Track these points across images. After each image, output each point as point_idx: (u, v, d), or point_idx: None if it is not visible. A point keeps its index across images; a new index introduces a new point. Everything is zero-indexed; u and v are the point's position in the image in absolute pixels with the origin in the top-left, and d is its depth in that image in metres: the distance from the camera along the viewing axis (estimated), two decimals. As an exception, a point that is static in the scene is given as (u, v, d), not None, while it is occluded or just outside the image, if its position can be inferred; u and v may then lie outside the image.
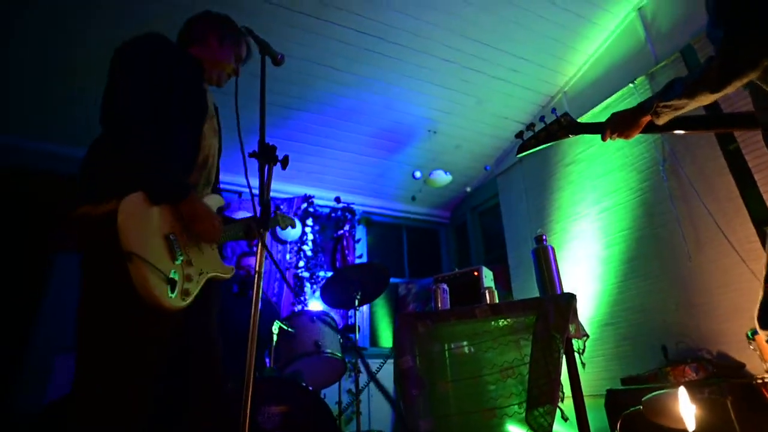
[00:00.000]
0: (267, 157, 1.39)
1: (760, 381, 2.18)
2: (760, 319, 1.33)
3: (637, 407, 2.35)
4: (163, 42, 1.50)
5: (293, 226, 2.12)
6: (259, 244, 1.30)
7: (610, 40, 3.96)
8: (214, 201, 1.61)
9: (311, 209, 5.04)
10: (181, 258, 1.35)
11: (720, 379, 2.48)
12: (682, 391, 2.08)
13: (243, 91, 1.59)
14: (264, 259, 1.31)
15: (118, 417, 1.21)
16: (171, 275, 1.29)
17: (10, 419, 3.26)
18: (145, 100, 1.34)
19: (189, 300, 1.34)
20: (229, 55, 1.71)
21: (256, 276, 1.27)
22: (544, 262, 2.10)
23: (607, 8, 3.70)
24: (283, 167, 1.42)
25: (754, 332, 2.29)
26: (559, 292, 2.06)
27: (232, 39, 1.72)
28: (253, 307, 1.27)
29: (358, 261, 5.16)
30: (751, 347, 2.33)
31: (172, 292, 1.28)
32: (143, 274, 1.21)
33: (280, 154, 1.42)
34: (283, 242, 4.81)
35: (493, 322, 2.11)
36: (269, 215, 1.36)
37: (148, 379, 1.29)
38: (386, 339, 5.12)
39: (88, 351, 1.25)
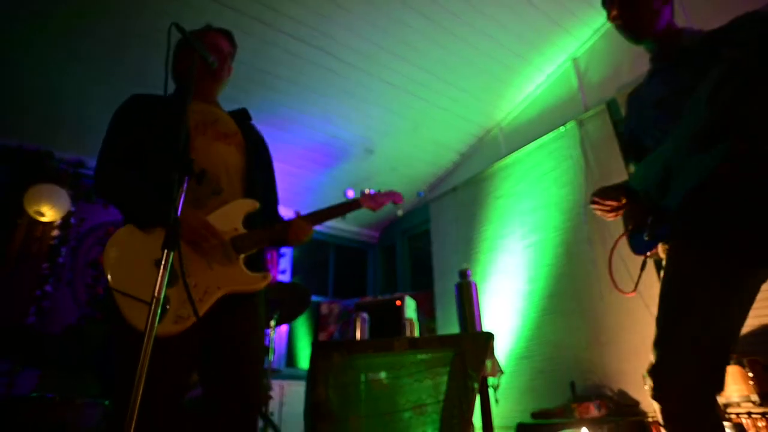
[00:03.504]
0: (183, 170, 1.26)
1: (651, 419, 2.30)
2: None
3: (544, 446, 2.40)
4: (134, 99, 1.59)
5: (398, 201, 1.93)
6: (161, 266, 1.16)
7: (547, 83, 4.16)
8: (231, 210, 1.52)
9: (237, 218, 4.80)
10: (176, 281, 1.33)
11: (618, 417, 2.60)
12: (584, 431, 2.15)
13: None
14: (165, 282, 1.17)
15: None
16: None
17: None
18: (113, 149, 1.46)
19: (187, 324, 1.31)
20: (201, 63, 1.63)
21: (153, 303, 1.12)
22: (466, 298, 2.10)
23: (543, 52, 3.88)
24: (198, 183, 1.29)
25: (649, 373, 2.42)
26: (479, 328, 2.06)
27: (193, 52, 1.64)
28: (146, 336, 1.13)
29: (281, 276, 4.97)
30: (646, 387, 2.46)
31: (160, 319, 1.20)
32: (125, 306, 1.28)
33: None
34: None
35: (410, 356, 2.06)
36: (179, 233, 1.23)
37: (154, 398, 1.23)
38: (304, 360, 4.94)
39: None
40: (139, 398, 1.14)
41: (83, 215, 3.99)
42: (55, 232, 3.73)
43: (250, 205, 1.54)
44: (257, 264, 1.53)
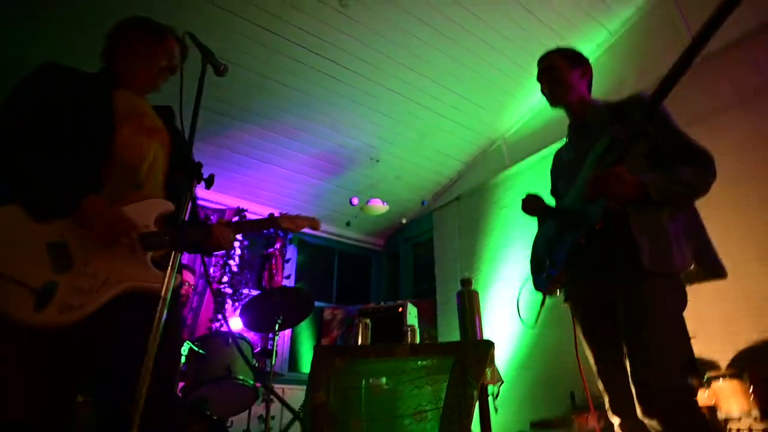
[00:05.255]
0: (191, 174, 1.30)
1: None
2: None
3: (542, 455, 2.41)
4: (52, 71, 1.46)
5: (315, 227, 1.85)
6: (169, 267, 1.19)
7: (550, 95, 4.19)
8: (149, 205, 1.47)
9: (242, 223, 4.84)
10: (71, 268, 1.23)
11: (619, 430, 2.60)
12: (584, 443, 2.16)
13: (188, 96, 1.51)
14: (172, 282, 1.20)
15: None
16: (43, 287, 1.17)
17: None
18: (20, 122, 1.32)
19: (77, 314, 1.20)
20: (151, 57, 1.62)
21: (161, 302, 1.16)
22: (467, 306, 2.12)
23: (549, 66, 3.92)
24: (207, 187, 1.33)
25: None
26: (479, 337, 2.09)
27: (156, 39, 1.63)
28: (153, 333, 1.16)
29: (285, 281, 5.01)
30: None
31: (41, 306, 1.15)
32: None
33: (213, 165, 1.35)
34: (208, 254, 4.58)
35: (411, 362, 2.09)
36: (185, 235, 1.27)
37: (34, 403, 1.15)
38: (307, 364, 4.96)
39: None
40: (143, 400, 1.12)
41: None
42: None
43: (165, 206, 1.48)
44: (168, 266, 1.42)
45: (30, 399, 1.17)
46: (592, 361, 1.63)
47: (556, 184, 1.93)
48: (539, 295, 1.82)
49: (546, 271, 1.71)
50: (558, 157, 1.96)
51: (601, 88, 3.71)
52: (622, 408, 1.49)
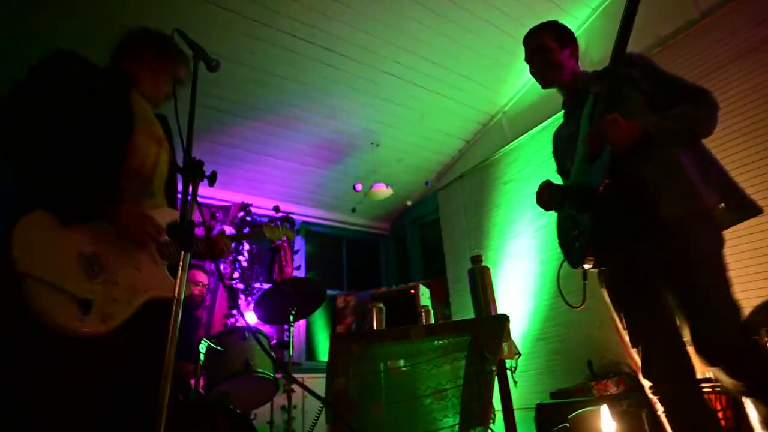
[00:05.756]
0: (192, 173, 1.30)
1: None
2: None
3: (564, 424, 2.43)
4: (72, 60, 1.42)
5: (290, 238, 2.02)
6: (180, 268, 1.20)
7: (547, 65, 4.12)
8: (162, 214, 1.49)
9: (248, 218, 4.86)
10: (102, 276, 1.23)
11: (637, 393, 2.62)
12: (605, 409, 2.18)
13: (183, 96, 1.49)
14: (184, 283, 1.21)
15: None
16: (84, 295, 1.16)
17: None
18: (40, 118, 1.26)
19: (114, 323, 1.21)
20: (165, 73, 1.63)
21: (174, 303, 1.16)
22: (479, 283, 2.12)
23: (544, 35, 3.85)
24: (210, 184, 1.32)
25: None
26: (493, 312, 2.09)
27: (169, 58, 1.64)
28: (170, 335, 1.17)
29: (296, 272, 5.03)
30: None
31: (85, 313, 1.15)
32: (40, 295, 1.11)
33: (215, 162, 1.35)
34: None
35: (427, 343, 2.09)
36: (192, 235, 1.27)
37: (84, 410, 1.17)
38: (324, 352, 5.01)
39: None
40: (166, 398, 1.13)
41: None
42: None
43: (173, 215, 1.51)
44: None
45: (79, 407, 1.18)
46: (621, 326, 1.61)
47: (563, 163, 1.87)
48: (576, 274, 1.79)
49: (575, 247, 1.66)
50: (557, 136, 1.94)
51: (598, 52, 3.67)
52: (655, 371, 1.48)
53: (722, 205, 1.41)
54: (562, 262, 1.80)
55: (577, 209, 1.64)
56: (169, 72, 1.64)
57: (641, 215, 1.45)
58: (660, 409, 1.47)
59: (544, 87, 1.83)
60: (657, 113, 1.47)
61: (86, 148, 1.32)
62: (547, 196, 1.77)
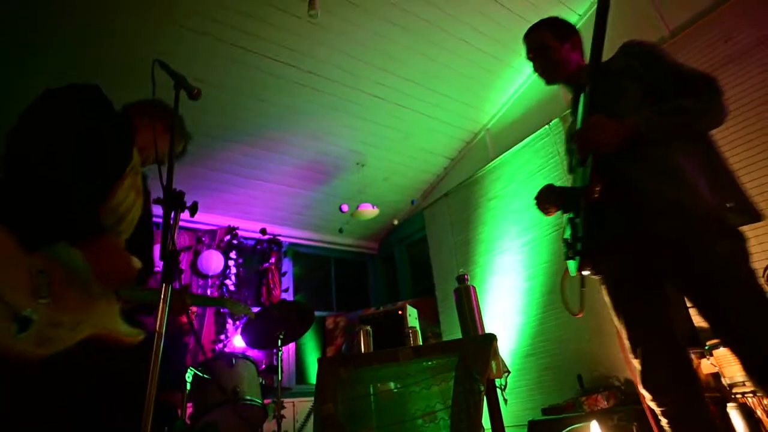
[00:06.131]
0: (173, 204, 1.30)
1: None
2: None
3: (555, 441, 2.43)
4: (95, 92, 1.47)
5: (249, 315, 2.11)
6: (161, 301, 1.19)
7: (528, 83, 4.22)
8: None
9: (235, 241, 4.83)
10: (49, 299, 1.17)
11: (627, 407, 2.63)
12: (594, 425, 2.18)
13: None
14: (165, 317, 1.20)
15: None
16: (24, 312, 1.09)
17: None
18: (58, 143, 1.26)
19: (53, 349, 1.12)
20: (164, 142, 1.68)
21: (156, 336, 1.15)
22: (465, 303, 2.13)
23: (520, 53, 3.92)
24: (192, 215, 1.33)
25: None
26: (480, 332, 2.09)
27: (174, 134, 1.60)
28: (151, 369, 1.15)
29: (284, 294, 4.99)
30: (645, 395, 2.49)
31: (21, 331, 1.08)
32: None
33: (201, 186, 1.34)
34: (204, 276, 4.56)
35: (416, 364, 2.09)
36: (174, 267, 1.26)
37: None
38: (314, 375, 4.94)
39: None
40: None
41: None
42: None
43: (136, 263, 1.44)
44: (132, 321, 1.43)
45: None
46: (624, 335, 1.49)
47: (570, 162, 1.77)
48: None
49: (575, 253, 1.57)
50: (567, 133, 1.85)
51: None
52: (656, 380, 1.40)
53: (730, 204, 1.27)
54: (566, 269, 1.71)
55: (574, 213, 1.56)
56: (167, 144, 1.66)
57: (633, 224, 1.37)
58: (663, 420, 1.39)
59: (548, 83, 1.75)
60: (655, 107, 1.38)
61: (81, 175, 1.29)
62: (547, 201, 1.68)
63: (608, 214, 1.41)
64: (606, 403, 2.71)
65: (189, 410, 2.71)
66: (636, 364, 1.44)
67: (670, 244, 1.30)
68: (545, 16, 1.76)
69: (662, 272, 1.39)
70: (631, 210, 1.36)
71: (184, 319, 3.27)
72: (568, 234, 1.62)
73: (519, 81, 4.23)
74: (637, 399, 2.77)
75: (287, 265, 5.29)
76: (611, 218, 1.42)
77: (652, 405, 1.42)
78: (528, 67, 3.99)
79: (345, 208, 4.71)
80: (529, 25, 1.75)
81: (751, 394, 2.20)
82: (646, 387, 1.42)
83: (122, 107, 1.69)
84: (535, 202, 1.71)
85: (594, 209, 1.42)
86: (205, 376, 2.59)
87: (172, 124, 1.60)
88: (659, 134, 1.32)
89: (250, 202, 4.87)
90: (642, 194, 1.33)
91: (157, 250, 1.35)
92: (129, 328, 1.36)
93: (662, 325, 1.41)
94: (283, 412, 2.96)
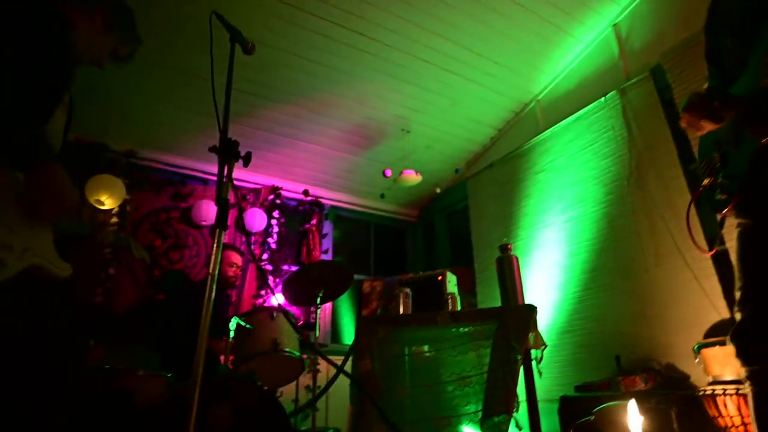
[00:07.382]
0: (228, 153, 1.33)
1: (701, 393, 2.25)
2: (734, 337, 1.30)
3: (589, 417, 2.41)
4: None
5: (146, 259, 1.92)
6: (214, 244, 1.24)
7: (585, 53, 4.01)
8: None
9: (278, 201, 4.94)
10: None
11: (666, 390, 2.57)
12: (632, 404, 2.14)
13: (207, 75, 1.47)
14: (218, 259, 1.25)
15: None
16: None
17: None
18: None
19: (6, 274, 1.05)
20: (106, 43, 1.44)
21: (210, 279, 1.21)
22: (507, 272, 2.11)
23: (583, 21, 3.74)
24: (245, 165, 1.36)
25: (701, 346, 2.37)
26: (520, 302, 2.08)
27: (119, 32, 1.46)
28: (204, 309, 1.21)
29: (323, 256, 5.09)
30: (696, 360, 2.41)
31: None
32: None
33: (247, 145, 1.33)
34: (248, 233, 4.70)
35: (453, 329, 2.11)
36: (227, 213, 1.31)
37: None
38: (349, 336, 5.09)
39: None
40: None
41: (138, 203, 4.24)
42: (114, 219, 3.97)
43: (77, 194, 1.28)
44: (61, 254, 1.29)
45: None
46: (739, 284, 1.30)
47: (717, 43, 1.42)
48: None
49: (720, 187, 1.35)
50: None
51: (639, 38, 3.53)
52: (760, 331, 1.24)
53: None
54: (693, 197, 1.49)
55: (738, 127, 1.25)
56: (108, 43, 1.45)
57: None
58: (747, 387, 1.27)
59: None
60: None
61: (20, 98, 1.11)
62: (700, 107, 1.35)
63: None
64: (644, 384, 2.66)
65: (231, 357, 2.85)
66: (739, 316, 1.30)
67: None
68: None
69: None
70: None
71: (231, 273, 3.41)
72: (713, 161, 1.35)
73: (577, 50, 4.03)
74: (678, 384, 2.72)
75: (328, 227, 5.38)
76: None
77: (739, 361, 1.28)
78: (589, 34, 3.87)
79: (388, 173, 4.70)
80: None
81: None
82: (744, 337, 1.27)
83: None
84: (681, 114, 1.41)
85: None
86: (247, 326, 2.70)
87: (112, 20, 1.41)
88: None
89: (294, 163, 4.94)
90: None
91: None
92: (61, 262, 1.25)
93: None
94: (317, 367, 3.08)
